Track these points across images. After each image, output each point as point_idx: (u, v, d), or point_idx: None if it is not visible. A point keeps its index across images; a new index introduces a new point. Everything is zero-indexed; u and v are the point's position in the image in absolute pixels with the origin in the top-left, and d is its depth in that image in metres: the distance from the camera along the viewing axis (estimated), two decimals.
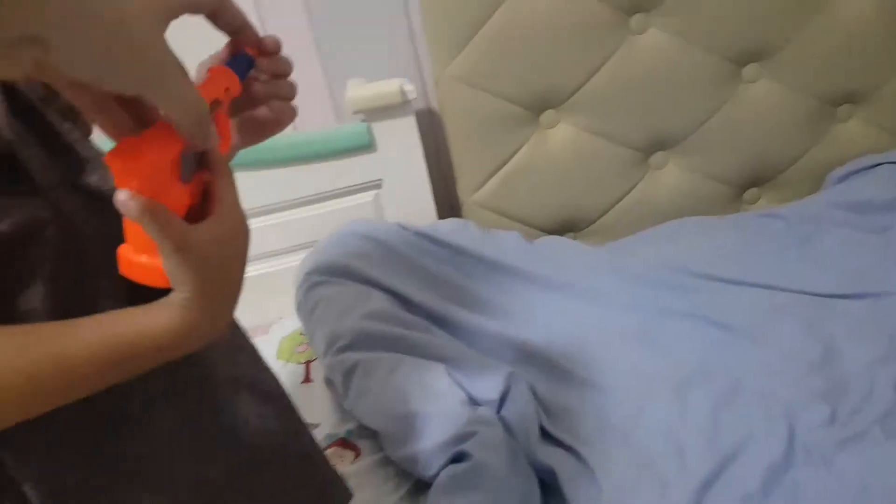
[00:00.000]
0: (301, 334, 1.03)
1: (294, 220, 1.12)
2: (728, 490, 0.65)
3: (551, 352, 0.87)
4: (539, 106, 1.12)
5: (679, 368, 0.82)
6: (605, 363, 0.86)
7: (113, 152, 0.35)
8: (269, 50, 0.45)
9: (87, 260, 0.40)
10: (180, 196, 0.37)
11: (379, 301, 0.93)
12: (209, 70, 0.41)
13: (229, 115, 0.43)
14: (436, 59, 1.09)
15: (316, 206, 1.12)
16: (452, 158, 1.16)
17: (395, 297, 0.96)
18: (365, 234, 1.03)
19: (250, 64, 0.43)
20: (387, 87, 1.05)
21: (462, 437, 0.72)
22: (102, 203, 0.40)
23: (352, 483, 0.56)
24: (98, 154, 0.43)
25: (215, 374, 0.46)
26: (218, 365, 0.47)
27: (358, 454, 0.83)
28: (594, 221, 1.18)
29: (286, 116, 0.47)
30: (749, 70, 1.13)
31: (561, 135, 1.13)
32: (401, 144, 1.11)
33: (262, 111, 0.47)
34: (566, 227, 1.18)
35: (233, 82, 0.41)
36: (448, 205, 1.22)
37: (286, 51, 0.46)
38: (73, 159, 0.42)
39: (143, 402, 0.42)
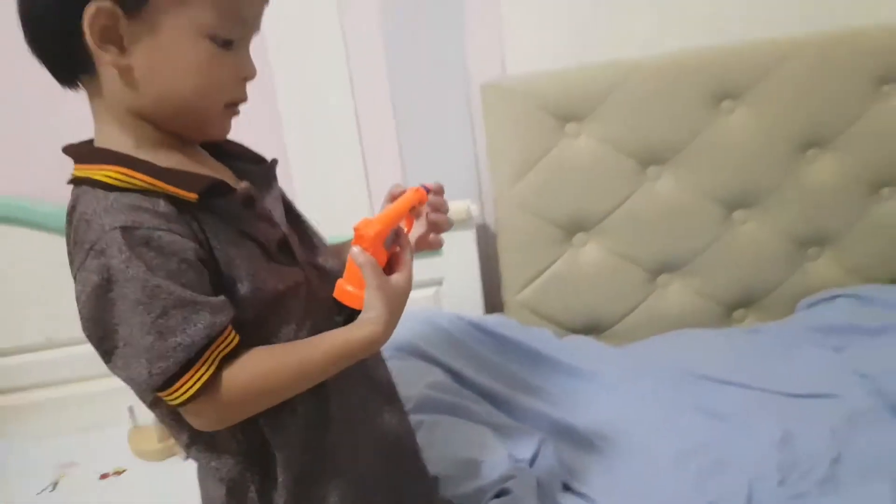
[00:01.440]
0: None
1: None
2: None
3: (577, 426, 1.10)
4: (573, 229, 1.40)
5: (679, 445, 1.06)
6: (620, 438, 1.09)
7: (360, 223, 0.64)
8: (435, 189, 0.74)
9: (317, 309, 0.67)
10: (383, 257, 0.65)
11: (439, 375, 1.19)
12: (410, 188, 0.71)
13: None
14: (496, 185, 1.39)
15: None
16: (501, 266, 1.44)
17: (450, 374, 1.22)
18: (427, 319, 1.30)
19: (428, 192, 0.73)
20: (456, 206, 1.31)
21: (505, 479, 0.96)
22: (328, 276, 0.68)
23: None
24: (323, 242, 0.72)
25: (378, 378, 0.73)
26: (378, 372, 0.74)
27: None
28: (612, 326, 1.44)
29: (437, 244, 0.76)
30: (738, 214, 1.41)
31: (589, 253, 1.41)
32: (461, 252, 1.40)
33: (426, 234, 0.76)
34: (589, 329, 1.43)
35: (422, 197, 0.71)
36: (493, 303, 1.48)
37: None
38: (313, 246, 0.71)
39: (341, 406, 0.68)
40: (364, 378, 0.71)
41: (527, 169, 1.37)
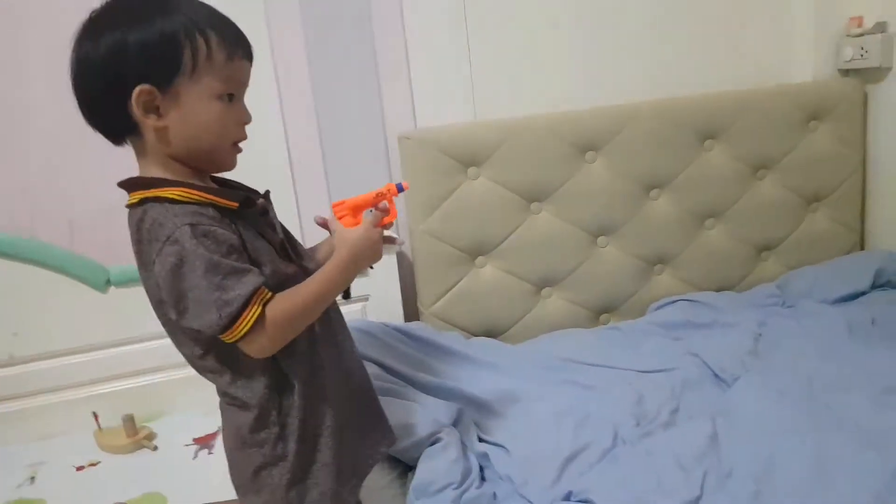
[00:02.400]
0: None
1: None
2: (588, 456, 1.21)
3: (484, 398, 1.41)
4: (475, 253, 1.73)
5: (558, 407, 1.38)
6: (515, 405, 1.40)
7: (338, 201, 0.95)
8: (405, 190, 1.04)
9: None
10: (353, 223, 0.96)
11: (373, 368, 1.46)
12: (389, 184, 1.00)
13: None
14: (412, 218, 1.70)
15: None
16: (417, 284, 1.75)
17: (381, 367, 1.49)
18: (359, 328, 1.57)
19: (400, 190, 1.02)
20: None
21: (434, 434, 1.25)
22: (309, 272, 0.95)
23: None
24: (305, 251, 1.00)
25: (342, 327, 1.01)
26: (339, 321, 1.01)
27: None
28: (508, 330, 1.77)
29: (392, 241, 1.06)
30: (601, 240, 1.80)
31: (487, 272, 1.74)
32: (384, 273, 1.69)
33: None
34: (489, 333, 1.75)
35: (392, 190, 1.00)
36: (410, 314, 1.78)
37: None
38: (298, 253, 0.98)
39: (310, 342, 0.94)
40: (340, 336, 1.00)
41: (437, 205, 1.69)
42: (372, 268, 0.99)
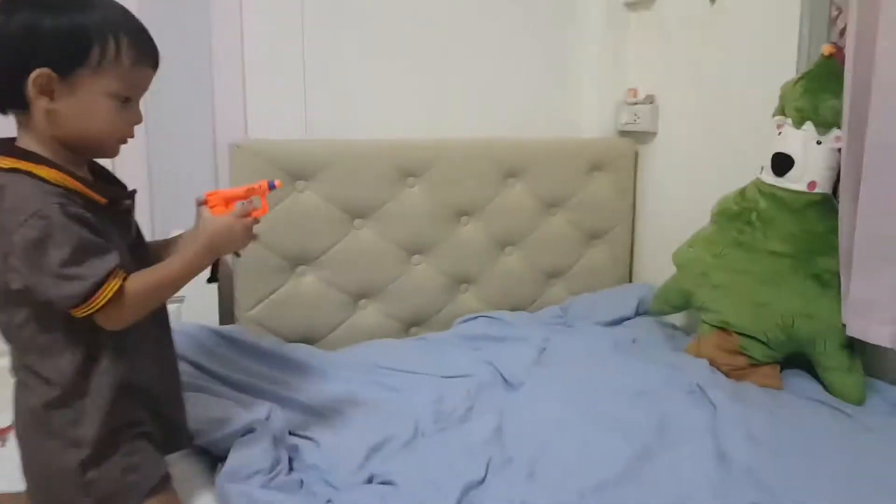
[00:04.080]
0: None
1: None
2: (390, 446, 1.34)
3: (295, 397, 1.49)
4: (296, 262, 1.80)
5: (366, 406, 1.49)
6: (328, 404, 1.49)
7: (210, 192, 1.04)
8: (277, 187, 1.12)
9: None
10: (223, 211, 1.04)
11: (185, 367, 1.49)
12: (262, 181, 1.09)
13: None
14: None
15: None
16: (235, 287, 1.78)
17: (193, 366, 1.51)
18: (175, 328, 1.58)
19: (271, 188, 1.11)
20: None
21: (248, 427, 1.30)
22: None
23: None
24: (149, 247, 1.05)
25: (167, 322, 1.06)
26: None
27: None
28: (324, 337, 1.86)
29: None
30: (415, 258, 1.96)
31: (307, 281, 1.83)
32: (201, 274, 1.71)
33: None
34: (305, 339, 1.82)
35: (263, 187, 1.09)
36: (225, 318, 1.81)
37: None
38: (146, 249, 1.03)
39: (140, 333, 0.99)
40: (160, 331, 1.06)
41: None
42: (239, 255, 1.09)
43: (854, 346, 1.58)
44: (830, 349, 1.58)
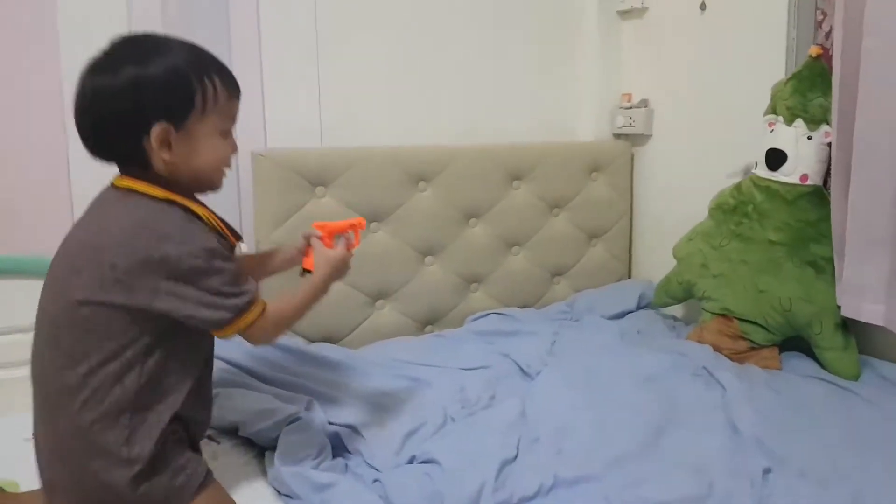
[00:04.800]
0: None
1: None
2: (424, 430, 1.42)
3: (329, 391, 1.57)
4: None
5: (393, 395, 1.57)
6: (356, 395, 1.57)
7: (318, 223, 1.21)
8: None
9: None
10: (330, 245, 1.18)
11: (222, 365, 1.56)
12: (359, 218, 1.24)
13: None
14: (259, 229, 1.82)
15: None
16: (260, 289, 1.85)
17: (230, 364, 1.59)
18: None
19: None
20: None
21: (292, 416, 1.38)
22: None
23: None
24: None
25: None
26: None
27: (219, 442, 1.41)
28: (345, 337, 1.93)
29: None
30: (428, 259, 2.06)
31: None
32: None
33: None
34: (327, 339, 1.89)
35: (362, 223, 1.26)
36: None
37: None
38: None
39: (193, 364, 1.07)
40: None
41: (285, 218, 1.83)
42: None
43: (848, 326, 1.69)
44: (827, 330, 1.69)
